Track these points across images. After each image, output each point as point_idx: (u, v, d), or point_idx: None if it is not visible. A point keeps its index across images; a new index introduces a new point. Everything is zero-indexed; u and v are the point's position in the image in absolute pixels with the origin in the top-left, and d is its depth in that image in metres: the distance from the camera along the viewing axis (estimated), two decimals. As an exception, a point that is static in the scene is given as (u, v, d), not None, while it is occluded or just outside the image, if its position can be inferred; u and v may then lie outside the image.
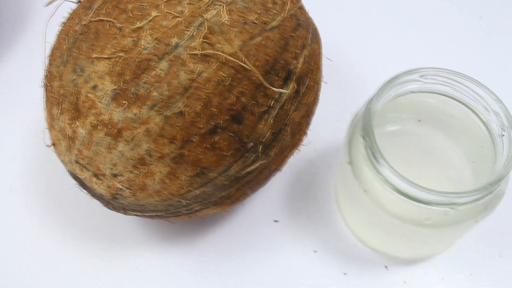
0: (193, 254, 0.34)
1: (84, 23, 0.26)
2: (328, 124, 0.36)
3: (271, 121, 0.26)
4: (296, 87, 0.27)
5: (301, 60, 0.27)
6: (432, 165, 0.31)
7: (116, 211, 0.29)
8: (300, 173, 0.36)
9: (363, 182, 0.28)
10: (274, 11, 0.26)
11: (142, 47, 0.24)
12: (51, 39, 0.28)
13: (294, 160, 0.36)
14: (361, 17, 0.45)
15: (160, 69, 0.24)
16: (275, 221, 0.35)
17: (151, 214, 0.28)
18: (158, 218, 0.29)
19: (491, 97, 0.27)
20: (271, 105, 0.26)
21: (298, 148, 0.30)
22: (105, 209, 0.30)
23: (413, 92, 0.29)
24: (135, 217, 0.34)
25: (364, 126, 0.27)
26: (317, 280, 0.33)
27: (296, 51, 0.27)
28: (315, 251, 0.34)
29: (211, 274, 0.33)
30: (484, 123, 0.29)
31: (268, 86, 0.25)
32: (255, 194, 0.35)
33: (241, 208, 0.35)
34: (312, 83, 0.28)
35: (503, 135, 0.27)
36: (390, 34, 0.44)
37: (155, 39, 0.24)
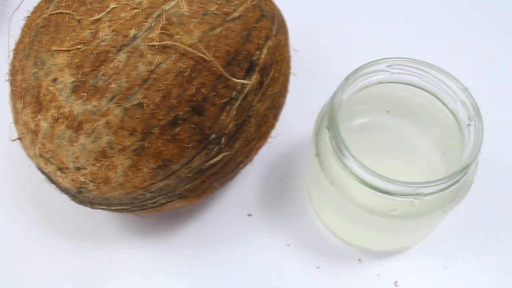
0: (167, 249, 0.34)
1: (45, 16, 0.26)
2: (301, 117, 0.36)
3: (234, 112, 0.26)
4: (259, 78, 0.27)
5: (264, 51, 0.27)
6: (403, 156, 0.30)
7: (84, 205, 0.29)
8: (274, 166, 0.36)
9: (330, 173, 0.28)
10: (236, 2, 0.26)
11: (100, 39, 0.24)
12: (17, 33, 0.28)
13: (268, 154, 0.36)
14: (333, 8, 0.45)
15: (119, 61, 0.24)
16: (249, 215, 0.34)
17: (117, 207, 0.28)
18: (125, 212, 0.29)
19: (457, 87, 0.27)
20: (233, 96, 0.26)
21: (266, 140, 0.30)
22: (76, 204, 0.30)
23: (381, 82, 0.29)
24: (108, 212, 0.34)
25: (328, 117, 0.26)
26: (290, 273, 0.33)
27: (260, 42, 0.27)
28: (288, 245, 0.33)
29: (185, 268, 0.33)
30: (452, 112, 0.28)
31: (229, 77, 0.25)
32: (228, 188, 0.35)
33: (214, 202, 0.35)
34: (277, 74, 0.28)
35: (470, 124, 0.27)
36: (365, 25, 0.44)
37: (113, 30, 0.24)
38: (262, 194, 0.35)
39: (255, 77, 0.26)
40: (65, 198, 0.29)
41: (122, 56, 0.24)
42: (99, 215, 0.34)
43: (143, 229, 0.34)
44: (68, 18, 0.25)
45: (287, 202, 0.35)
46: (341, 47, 0.42)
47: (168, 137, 0.25)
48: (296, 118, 0.36)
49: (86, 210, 0.34)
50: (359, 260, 0.33)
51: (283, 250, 0.33)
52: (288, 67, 0.30)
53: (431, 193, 0.25)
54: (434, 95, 0.29)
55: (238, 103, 0.26)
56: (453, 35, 0.43)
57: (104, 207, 0.28)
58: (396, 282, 0.32)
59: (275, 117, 0.30)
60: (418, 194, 0.25)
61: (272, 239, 0.34)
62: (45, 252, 0.33)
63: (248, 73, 0.26)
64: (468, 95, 0.27)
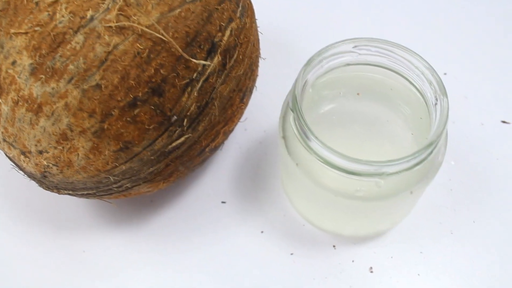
0: (141, 237, 0.33)
1: None
2: (278, 104, 0.35)
3: (196, 94, 0.26)
4: (222, 60, 0.27)
5: (227, 33, 0.27)
6: (373, 138, 0.30)
7: (51, 191, 0.29)
8: (249, 153, 0.36)
9: (295, 156, 0.27)
10: (197, -17, 0.26)
11: (58, 20, 0.24)
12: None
13: (243, 141, 0.36)
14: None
15: (76, 42, 0.24)
16: (223, 202, 0.34)
17: (83, 192, 0.28)
18: (92, 197, 0.29)
19: (424, 66, 0.27)
20: (194, 77, 0.26)
21: (234, 124, 0.30)
22: (48, 192, 0.30)
23: (349, 64, 0.29)
24: (81, 199, 0.34)
25: (292, 99, 0.26)
26: (264, 260, 0.32)
27: (221, 23, 0.27)
28: (262, 232, 0.33)
29: (159, 256, 0.33)
30: (420, 93, 0.28)
31: (188, 58, 0.25)
32: (202, 176, 0.35)
33: (189, 190, 0.35)
34: (241, 57, 0.28)
35: (436, 104, 0.26)
36: (341, 7, 0.43)
37: (70, 12, 0.24)
38: (236, 182, 0.35)
39: (217, 58, 0.26)
40: (35, 185, 0.29)
41: (79, 38, 0.24)
42: (72, 203, 0.34)
43: (116, 218, 0.34)
44: (27, 0, 0.25)
45: (262, 189, 0.35)
46: (315, 31, 0.42)
47: (128, 119, 0.25)
48: (273, 105, 0.36)
49: (59, 198, 0.34)
50: (334, 246, 0.33)
51: (257, 237, 0.33)
52: (254, 50, 0.30)
53: (396, 173, 0.25)
54: (402, 76, 0.28)
55: (199, 84, 0.26)
56: (423, 16, 0.43)
57: (70, 192, 0.28)
58: (371, 268, 0.32)
59: (242, 100, 0.29)
60: (382, 174, 0.25)
61: (246, 226, 0.33)
62: (17, 241, 0.33)
63: (209, 55, 0.26)
64: (434, 74, 0.26)
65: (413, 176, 0.26)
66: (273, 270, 0.32)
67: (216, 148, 0.30)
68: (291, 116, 0.26)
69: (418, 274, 0.32)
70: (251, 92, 0.31)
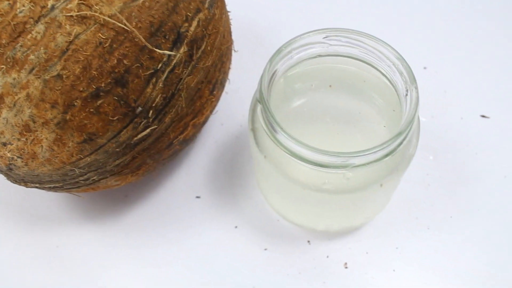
0: (115, 232, 0.33)
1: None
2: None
3: (161, 85, 0.26)
4: (188, 51, 0.26)
5: (194, 23, 0.27)
6: (346, 132, 0.30)
7: (18, 184, 0.28)
8: (225, 148, 0.35)
9: (263, 148, 0.27)
10: (162, -27, 0.26)
11: (18, 10, 0.24)
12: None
13: (219, 135, 0.36)
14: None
15: (37, 32, 0.24)
16: (197, 197, 0.34)
17: (50, 185, 0.28)
18: (60, 190, 0.28)
19: (394, 56, 0.26)
20: (159, 68, 0.25)
21: (204, 117, 0.29)
22: (20, 187, 0.29)
23: (320, 55, 0.28)
24: (54, 194, 0.34)
25: (259, 90, 0.26)
26: (237, 255, 0.32)
27: (188, 14, 0.26)
28: (236, 227, 0.33)
29: (133, 251, 0.32)
30: (393, 84, 0.28)
31: (152, 48, 0.25)
32: (177, 170, 0.35)
33: (163, 184, 0.34)
34: (210, 48, 0.27)
35: (407, 95, 0.26)
36: (321, 2, 0.43)
37: (31, 1, 0.24)
38: (211, 176, 0.34)
39: (183, 49, 0.26)
40: (4, 179, 0.29)
41: (40, 27, 0.24)
42: (46, 198, 0.34)
43: (91, 212, 0.34)
44: (-13, -10, 0.25)
45: (237, 184, 0.34)
46: (293, 23, 0.41)
47: (91, 110, 0.25)
48: (249, 99, 0.35)
49: (31, 192, 0.34)
50: (308, 241, 0.32)
51: (231, 232, 0.33)
52: (225, 42, 0.29)
53: (363, 164, 0.24)
54: (374, 67, 0.28)
55: (165, 75, 0.26)
56: (402, 10, 0.43)
57: (37, 185, 0.28)
58: (346, 264, 0.31)
59: (212, 93, 0.29)
60: (349, 165, 0.24)
61: (220, 221, 0.33)
62: (-9, 235, 0.33)
63: (175, 45, 0.26)
64: (404, 64, 0.26)
65: (383, 168, 0.26)
66: (246, 265, 0.31)
67: (186, 141, 0.29)
68: (258, 108, 0.26)
69: (394, 270, 0.31)
70: (222, 84, 0.30)
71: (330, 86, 0.30)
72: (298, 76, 0.29)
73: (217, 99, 0.31)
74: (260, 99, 0.25)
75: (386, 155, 0.25)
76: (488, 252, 0.31)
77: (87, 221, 0.33)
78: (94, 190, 0.29)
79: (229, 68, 0.31)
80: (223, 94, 0.37)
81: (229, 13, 0.32)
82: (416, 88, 0.25)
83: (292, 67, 0.28)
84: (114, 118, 0.25)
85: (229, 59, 0.31)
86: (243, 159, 0.35)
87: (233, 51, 0.32)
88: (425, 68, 0.38)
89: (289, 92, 0.30)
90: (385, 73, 0.28)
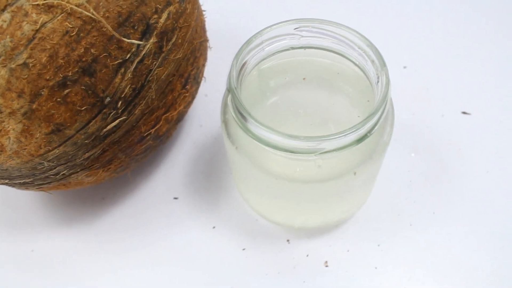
0: (91, 235, 0.32)
1: None
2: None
3: (130, 76, 0.26)
4: (158, 42, 0.26)
5: (164, 15, 0.27)
6: (321, 125, 0.29)
7: (-13, 181, 0.28)
8: (204, 149, 0.35)
9: (234, 139, 0.27)
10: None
11: (-16, -1, 0.24)
12: None
13: (198, 136, 0.35)
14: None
15: (3, 20, 0.24)
16: (175, 198, 0.33)
17: (20, 181, 0.27)
18: (31, 187, 0.28)
19: (365, 44, 0.26)
20: (128, 58, 0.25)
21: (177, 112, 0.29)
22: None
23: (293, 48, 0.28)
24: (29, 196, 0.33)
25: (228, 78, 0.26)
26: (215, 256, 0.31)
27: (158, 6, 0.26)
28: (214, 227, 0.32)
29: (110, 254, 0.32)
30: (366, 74, 0.27)
31: (120, 37, 0.25)
32: (155, 172, 0.34)
33: (141, 186, 0.34)
34: (180, 41, 0.27)
35: (378, 82, 0.26)
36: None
37: (-2, -9, 0.24)
38: (190, 178, 0.34)
39: (152, 40, 0.26)
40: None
41: (6, 16, 0.24)
42: (20, 201, 0.33)
43: (66, 216, 0.33)
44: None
45: (215, 185, 0.34)
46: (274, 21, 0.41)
47: (58, 99, 0.24)
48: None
49: (6, 196, 0.33)
50: (288, 241, 0.31)
51: (209, 232, 0.32)
52: (197, 37, 0.29)
53: (334, 150, 0.24)
54: (347, 58, 0.28)
55: (134, 66, 0.26)
56: (381, 9, 0.43)
57: (7, 181, 0.27)
58: (326, 262, 0.31)
59: (185, 87, 0.29)
60: (319, 151, 0.24)
61: (198, 221, 0.32)
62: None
63: (144, 36, 0.26)
64: (375, 51, 0.26)
65: (355, 155, 0.26)
66: (224, 266, 0.31)
67: (159, 137, 0.29)
68: (228, 97, 0.26)
69: (376, 268, 0.30)
70: (196, 80, 0.30)
71: (304, 79, 0.29)
72: (272, 70, 0.29)
73: (191, 95, 0.30)
74: (229, 88, 0.25)
75: (358, 140, 0.24)
76: (471, 248, 0.30)
77: (63, 225, 0.33)
78: (66, 188, 0.29)
79: (203, 64, 0.31)
80: (203, 96, 0.37)
81: (205, 12, 0.32)
82: (386, 72, 0.25)
83: (265, 60, 0.28)
84: (82, 108, 0.25)
85: (203, 55, 0.31)
86: (222, 160, 0.34)
87: (209, 49, 0.32)
88: (405, 67, 0.38)
89: (264, 87, 0.29)
90: (357, 63, 0.27)
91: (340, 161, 0.25)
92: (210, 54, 0.34)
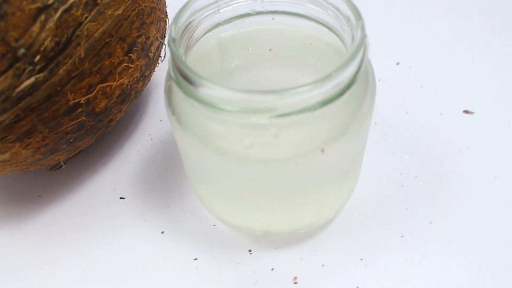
0: (22, 237, 0.27)
1: None
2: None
3: (52, 26, 0.21)
4: (91, -9, 0.22)
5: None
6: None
7: None
8: (161, 146, 0.30)
9: (175, 109, 0.22)
10: None
11: None
12: None
13: (157, 132, 0.31)
14: None
15: None
16: (122, 198, 0.28)
17: None
18: None
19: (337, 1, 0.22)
20: (50, 4, 0.21)
21: (117, 83, 0.24)
22: None
23: (260, 12, 0.24)
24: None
25: (168, 37, 0.21)
26: (161, 265, 0.26)
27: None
28: (163, 232, 0.27)
29: (40, 261, 0.26)
30: (342, 41, 0.23)
31: (39, -25, 0.21)
32: (102, 169, 0.29)
33: (84, 184, 0.29)
34: (121, -4, 0.23)
35: (353, 40, 0.21)
36: None
37: None
38: (141, 176, 0.29)
39: (82, -13, 0.22)
40: None
41: None
42: None
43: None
44: None
45: (169, 185, 0.28)
46: None
47: (-42, 45, 0.20)
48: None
49: None
50: (250, 251, 0.26)
51: (156, 238, 0.27)
52: (147, 1, 0.25)
53: (292, 113, 0.19)
54: (318, 22, 0.23)
55: (58, 14, 0.21)
56: (374, 5, 0.39)
57: None
58: (295, 278, 0.25)
59: (129, 56, 0.24)
60: (275, 110, 0.19)
61: (145, 225, 0.27)
62: None
63: (73, -19, 0.22)
64: (349, 3, 0.21)
65: (323, 127, 0.20)
66: (171, 278, 0.25)
67: (97, 114, 0.24)
68: (169, 62, 0.21)
69: (357, 287, 0.24)
70: (145, 52, 0.26)
71: (270, 49, 0.25)
72: (233, 39, 0.24)
73: (139, 70, 0.26)
74: (169, 42, 0.21)
75: (322, 103, 0.19)
76: (474, 266, 0.24)
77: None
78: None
79: (156, 38, 0.27)
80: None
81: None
82: (362, 26, 0.20)
83: (222, 26, 0.24)
84: (-12, 58, 0.20)
85: (155, 25, 0.27)
86: (180, 159, 0.29)
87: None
88: (398, 63, 0.33)
89: (225, 59, 0.25)
90: (330, 26, 0.23)
91: (303, 134, 0.20)
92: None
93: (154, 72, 0.30)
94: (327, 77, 0.19)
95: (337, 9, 0.22)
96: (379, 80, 0.32)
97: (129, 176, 0.29)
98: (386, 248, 0.25)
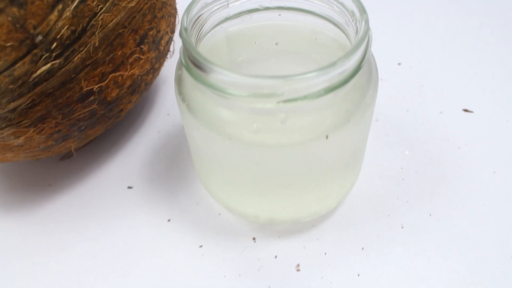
0: (32, 224, 0.28)
1: None
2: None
3: (69, 15, 0.22)
4: (107, -17, 0.23)
5: (117, -42, 0.24)
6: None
7: None
8: (168, 138, 0.31)
9: (185, 96, 0.23)
10: None
11: None
12: None
13: (164, 125, 0.32)
14: None
15: None
16: (129, 187, 0.29)
17: None
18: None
19: (342, -3, 0.23)
20: (67, -7, 0.22)
21: (129, 73, 0.25)
22: None
23: (267, 8, 0.25)
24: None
25: (181, 22, 0.22)
26: (167, 252, 0.26)
27: None
28: (169, 220, 0.27)
29: (50, 247, 0.27)
30: (346, 34, 0.24)
31: (59, -34, 0.22)
32: (111, 159, 0.30)
33: (93, 173, 0.30)
34: (136, -12, 0.24)
35: (357, 33, 0.22)
36: None
37: None
38: (148, 167, 0.30)
39: (99, -22, 0.23)
40: None
41: None
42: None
43: (10, 202, 0.29)
44: None
45: (175, 175, 0.29)
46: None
47: (-21, 31, 0.21)
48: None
49: None
50: (254, 239, 0.26)
51: (163, 226, 0.27)
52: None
53: (299, 99, 0.20)
54: (324, 18, 0.24)
55: (75, 4, 0.22)
56: (375, 5, 0.40)
57: None
58: (298, 266, 0.25)
59: (141, 48, 0.25)
60: (280, 95, 0.20)
61: (152, 213, 0.28)
62: None
63: (90, -27, 0.23)
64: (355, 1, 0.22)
65: (327, 114, 0.21)
66: (177, 264, 0.26)
67: (109, 104, 0.25)
68: (181, 50, 0.22)
69: (358, 275, 0.25)
70: (156, 45, 0.27)
71: (276, 44, 0.26)
72: (241, 34, 0.25)
73: (149, 61, 0.27)
74: (180, 32, 0.21)
75: (328, 90, 0.20)
76: (472, 257, 0.25)
77: (6, 212, 0.29)
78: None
79: (167, 32, 0.28)
80: (172, 83, 0.33)
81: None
82: (366, 19, 0.21)
83: (230, 20, 0.25)
84: (7, 44, 0.21)
85: (166, 20, 0.28)
86: (186, 151, 0.30)
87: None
88: (399, 64, 0.34)
89: (232, 52, 0.26)
90: (335, 22, 0.24)
91: (308, 120, 0.21)
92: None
93: (162, 67, 0.31)
94: (332, 65, 0.20)
95: (342, 4, 0.23)
96: (381, 79, 0.33)
97: (136, 167, 0.30)
98: (387, 239, 0.26)
